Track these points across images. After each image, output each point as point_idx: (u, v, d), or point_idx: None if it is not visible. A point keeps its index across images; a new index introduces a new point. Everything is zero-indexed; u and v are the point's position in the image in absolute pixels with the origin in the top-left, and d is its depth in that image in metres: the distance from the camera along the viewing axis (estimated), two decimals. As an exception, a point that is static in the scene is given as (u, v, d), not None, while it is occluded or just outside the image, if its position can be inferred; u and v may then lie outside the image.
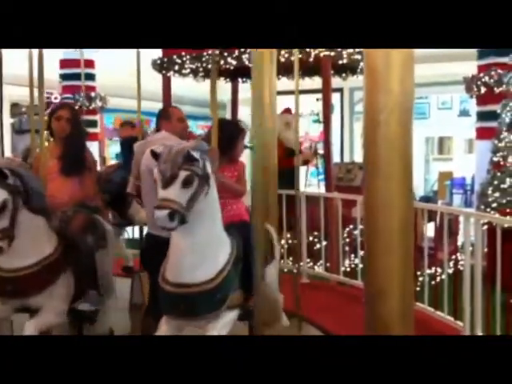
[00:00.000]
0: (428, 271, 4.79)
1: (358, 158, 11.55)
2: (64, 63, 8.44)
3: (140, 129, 4.91)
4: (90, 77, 8.77)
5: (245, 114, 11.16)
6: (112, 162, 9.74)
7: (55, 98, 7.57)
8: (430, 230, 5.21)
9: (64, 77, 8.84)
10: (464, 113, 12.46)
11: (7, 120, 10.09)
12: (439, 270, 5.04)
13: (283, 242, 6.15)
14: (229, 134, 3.74)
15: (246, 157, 11.66)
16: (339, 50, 6.41)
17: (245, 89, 9.13)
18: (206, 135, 4.50)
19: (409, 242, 2.27)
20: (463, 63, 8.92)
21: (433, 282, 4.77)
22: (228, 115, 11.29)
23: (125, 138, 6.49)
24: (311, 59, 7.28)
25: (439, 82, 10.78)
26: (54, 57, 5.41)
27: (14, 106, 9.95)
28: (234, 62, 7.36)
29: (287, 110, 7.58)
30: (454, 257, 4.84)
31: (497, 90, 7.52)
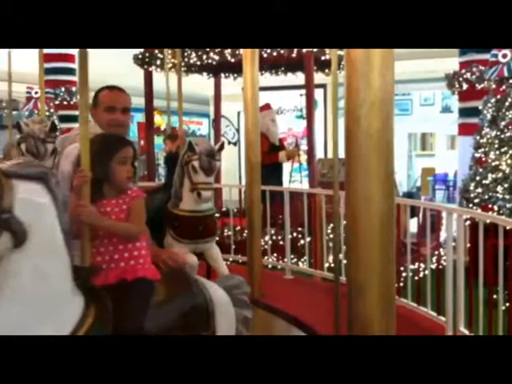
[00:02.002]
0: (411, 267, 4.80)
1: (342, 153, 11.57)
2: (44, 57, 8.32)
3: (181, 139, 4.59)
4: (71, 71, 8.68)
5: (229, 110, 11.17)
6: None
7: (36, 93, 7.46)
8: (413, 225, 5.22)
9: (45, 71, 8.73)
10: (446, 109, 12.54)
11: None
12: (422, 265, 5.06)
13: (267, 238, 6.14)
14: (98, 151, 2.39)
15: (230, 152, 11.61)
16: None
17: (228, 84, 9.11)
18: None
19: (390, 238, 2.25)
20: (445, 60, 8.98)
21: (416, 278, 4.78)
22: (211, 111, 11.28)
23: (169, 153, 6.07)
24: (294, 55, 7.28)
25: (421, 78, 10.84)
26: (34, 51, 5.32)
27: (-6, 102, 9.82)
28: (217, 58, 7.34)
29: (267, 106, 7.55)
30: (436, 252, 4.85)
31: (478, 87, 7.57)
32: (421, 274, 4.88)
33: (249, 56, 5.20)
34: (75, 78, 8.64)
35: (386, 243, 2.18)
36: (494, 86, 6.12)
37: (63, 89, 8.06)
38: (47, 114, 8.14)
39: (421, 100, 12.83)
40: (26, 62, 5.07)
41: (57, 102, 8.58)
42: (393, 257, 2.23)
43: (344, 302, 2.41)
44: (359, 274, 2.16)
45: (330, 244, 5.93)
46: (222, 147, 4.16)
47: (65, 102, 8.69)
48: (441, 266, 4.57)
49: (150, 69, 7.69)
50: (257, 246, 5.13)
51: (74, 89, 8.71)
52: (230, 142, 11.78)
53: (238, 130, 12.37)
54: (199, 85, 10.54)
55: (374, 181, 2.18)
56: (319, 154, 9.25)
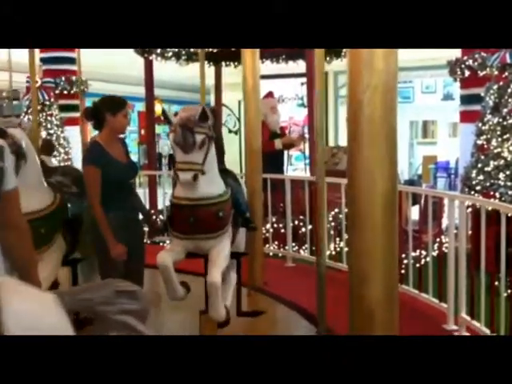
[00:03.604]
0: (413, 254, 4.80)
1: (343, 141, 11.55)
2: (44, 47, 8.32)
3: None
4: (71, 61, 8.65)
5: (230, 99, 11.14)
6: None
7: (36, 83, 7.43)
8: (414, 213, 5.22)
9: (45, 60, 8.71)
10: (448, 96, 12.49)
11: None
12: (424, 252, 5.06)
13: (268, 226, 6.14)
14: None
15: (231, 141, 11.60)
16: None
17: (228, 73, 9.07)
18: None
19: (392, 225, 2.25)
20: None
21: (417, 265, 4.78)
22: (212, 100, 11.24)
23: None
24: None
25: (423, 65, 10.78)
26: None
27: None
28: (218, 46, 7.30)
29: (270, 94, 7.52)
30: (438, 239, 4.85)
31: (480, 74, 7.52)
32: (422, 261, 4.88)
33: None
34: (75, 68, 8.61)
35: (389, 230, 2.18)
36: (496, 73, 6.09)
37: (63, 78, 8.04)
38: (47, 103, 8.13)
39: (422, 87, 12.77)
40: (25, 51, 5.04)
41: (57, 92, 8.56)
42: (396, 244, 2.22)
43: (341, 289, 2.41)
44: (362, 261, 2.16)
45: (332, 232, 5.93)
46: (203, 116, 3.37)
47: (65, 92, 8.67)
48: (442, 253, 4.57)
49: (151, 58, 7.65)
50: (258, 235, 5.13)
51: (74, 78, 8.68)
52: (230, 131, 11.75)
53: (238, 119, 12.33)
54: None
55: (377, 167, 2.17)
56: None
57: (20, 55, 7.41)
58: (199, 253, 3.63)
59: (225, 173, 3.85)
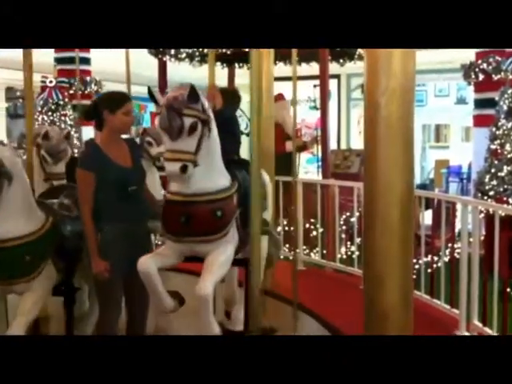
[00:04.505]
0: (424, 259, 4.77)
1: (355, 144, 11.51)
2: (59, 47, 8.37)
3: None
4: (85, 61, 8.69)
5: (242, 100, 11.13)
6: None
7: (50, 82, 7.47)
8: (426, 218, 5.19)
9: (59, 60, 8.75)
10: (461, 100, 12.41)
11: (2, 104, 10.01)
12: (435, 257, 5.02)
13: (279, 228, 6.13)
14: None
15: (243, 143, 11.56)
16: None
17: (241, 74, 9.07)
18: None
19: (408, 228, 2.25)
20: (461, 50, 8.87)
21: (429, 270, 4.76)
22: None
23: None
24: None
25: (436, 69, 10.72)
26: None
27: (9, 90, 9.85)
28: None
29: (280, 96, 7.51)
30: (450, 245, 4.81)
31: (495, 77, 7.47)
32: (434, 267, 4.85)
33: (263, 46, 5.17)
34: (90, 68, 8.65)
35: (406, 233, 2.17)
36: (511, 77, 6.05)
37: (77, 78, 8.08)
38: (61, 103, 8.17)
39: (436, 91, 12.70)
40: (40, 51, 5.08)
41: (71, 92, 8.60)
42: (411, 247, 2.22)
43: (354, 292, 2.39)
44: (378, 264, 2.15)
45: (343, 235, 5.91)
46: (193, 95, 2.81)
47: (79, 92, 8.70)
48: (454, 259, 4.54)
49: (164, 59, 7.67)
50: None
51: (88, 78, 8.71)
52: (242, 133, 11.73)
53: (250, 121, 12.32)
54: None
55: (393, 170, 2.17)
56: (332, 144, 9.19)
57: (34, 55, 7.47)
58: (198, 257, 3.13)
59: (239, 164, 3.42)
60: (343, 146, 11.57)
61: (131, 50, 5.37)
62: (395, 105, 2.20)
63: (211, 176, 3.01)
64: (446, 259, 4.74)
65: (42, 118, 7.52)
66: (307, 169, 10.95)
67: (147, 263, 2.97)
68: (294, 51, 4.57)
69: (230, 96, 3.65)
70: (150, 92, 2.91)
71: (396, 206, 2.16)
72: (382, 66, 2.20)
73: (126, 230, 3.06)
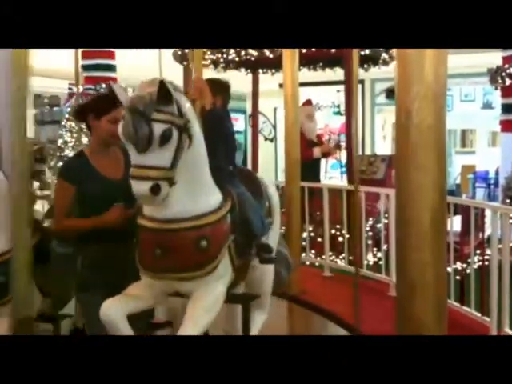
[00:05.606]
0: (453, 266, 4.71)
1: (379, 150, 11.44)
2: (86, 54, 8.47)
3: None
4: (111, 68, 8.78)
5: (265, 106, 11.15)
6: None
7: (78, 89, 7.57)
8: (455, 224, 5.12)
9: (86, 68, 8.86)
10: (487, 105, 12.27)
11: (30, 111, 10.17)
12: (464, 265, 4.96)
13: (305, 234, 6.11)
14: None
15: (267, 149, 11.60)
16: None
17: (265, 80, 9.08)
18: None
19: (442, 236, 2.22)
20: (487, 54, 8.77)
21: (458, 277, 4.69)
22: (248, 107, 11.27)
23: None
24: (333, 50, 7.21)
25: (462, 73, 10.62)
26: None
27: (37, 97, 10.00)
28: (255, 53, 7.32)
29: (308, 102, 7.52)
30: (480, 251, 4.74)
31: (522, 82, 7.37)
32: (463, 274, 4.78)
33: (289, 53, 5.18)
34: (115, 75, 8.74)
35: (438, 241, 2.15)
36: (539, 82, 5.96)
37: (103, 85, 8.16)
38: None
39: (461, 96, 12.58)
40: (67, 58, 5.15)
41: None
42: (445, 254, 2.19)
43: (382, 299, 2.37)
44: (411, 272, 2.12)
45: (369, 241, 5.86)
46: (164, 94, 2.23)
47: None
48: (484, 266, 4.47)
49: (190, 65, 7.71)
50: (296, 243, 5.11)
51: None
52: (266, 139, 11.77)
53: (274, 127, 12.34)
54: (236, 81, 10.56)
55: (426, 177, 2.14)
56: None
57: (62, 62, 7.57)
58: (171, 293, 2.56)
59: (235, 177, 2.81)
60: (367, 152, 11.51)
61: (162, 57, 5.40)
62: (427, 111, 2.18)
63: (194, 195, 2.42)
64: (476, 266, 4.67)
65: (70, 125, 7.61)
66: (331, 174, 10.90)
67: (111, 309, 2.37)
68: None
69: (221, 89, 2.91)
70: (110, 91, 2.44)
71: (429, 213, 2.13)
72: (414, 71, 2.18)
73: (112, 250, 2.62)
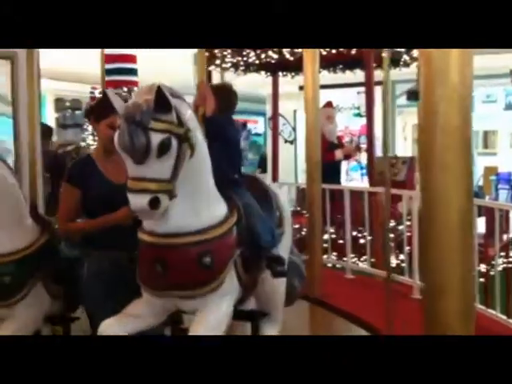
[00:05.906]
0: (478, 268, 4.66)
1: (400, 151, 11.37)
2: (107, 58, 8.57)
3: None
4: (132, 72, 8.85)
5: (285, 108, 11.16)
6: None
7: (100, 93, 7.65)
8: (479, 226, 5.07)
9: (107, 72, 8.94)
10: (509, 106, 12.15)
11: (52, 115, 10.30)
12: (488, 267, 4.90)
13: (326, 236, 6.09)
14: None
15: (287, 151, 11.61)
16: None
17: (284, 82, 9.08)
18: None
19: (468, 237, 2.20)
20: (508, 55, 8.68)
21: (482, 280, 4.65)
22: (268, 109, 11.29)
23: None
24: (353, 52, 7.19)
25: (484, 74, 10.51)
26: (97, 51, 5.46)
27: (58, 101, 10.13)
28: (275, 56, 7.33)
29: (329, 104, 7.51)
30: (504, 253, 4.70)
31: (546, 82, 7.28)
32: (488, 276, 4.73)
33: (309, 55, 5.17)
34: (137, 79, 8.81)
35: (465, 243, 2.13)
36: None
37: (125, 89, 8.22)
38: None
39: (483, 97, 12.46)
40: (90, 62, 5.21)
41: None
42: (472, 257, 2.17)
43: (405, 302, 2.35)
44: (438, 275, 2.11)
45: (391, 244, 5.83)
46: (162, 101, 2.11)
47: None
48: (509, 268, 4.42)
49: (210, 68, 7.74)
50: (317, 245, 5.10)
51: (135, 89, 8.87)
52: (286, 141, 11.78)
53: (294, 129, 12.34)
54: (255, 83, 10.59)
55: (451, 179, 2.13)
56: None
57: (84, 66, 7.65)
58: (173, 310, 2.47)
59: (241, 186, 2.68)
60: (388, 153, 11.45)
61: (182, 60, 5.42)
62: (452, 113, 2.16)
63: (196, 208, 2.30)
64: (500, 268, 4.62)
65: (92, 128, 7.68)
66: (351, 176, 10.88)
67: (110, 331, 2.30)
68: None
69: (227, 95, 2.76)
70: (105, 96, 2.35)
71: (455, 215, 2.12)
72: (439, 72, 2.16)
73: (116, 258, 2.58)
